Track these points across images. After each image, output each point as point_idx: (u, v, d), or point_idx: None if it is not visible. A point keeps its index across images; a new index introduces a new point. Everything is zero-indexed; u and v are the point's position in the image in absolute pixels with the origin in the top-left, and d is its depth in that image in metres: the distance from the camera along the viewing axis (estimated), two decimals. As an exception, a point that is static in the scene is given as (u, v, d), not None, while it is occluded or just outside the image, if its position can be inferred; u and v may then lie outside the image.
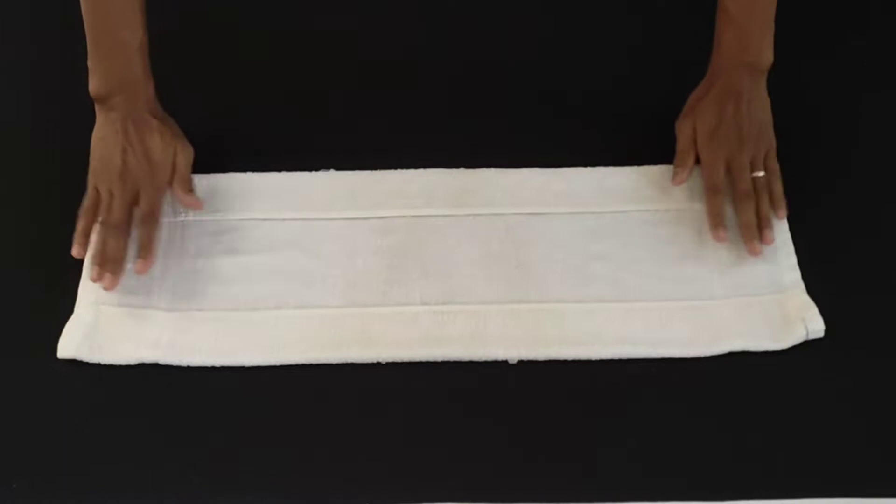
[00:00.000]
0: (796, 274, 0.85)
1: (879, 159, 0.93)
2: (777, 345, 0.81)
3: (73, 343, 0.80)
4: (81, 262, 0.84)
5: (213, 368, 0.80)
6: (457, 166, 0.91)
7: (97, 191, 0.85)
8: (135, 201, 0.84)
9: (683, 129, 0.90)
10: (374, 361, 0.80)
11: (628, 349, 0.80)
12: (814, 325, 0.81)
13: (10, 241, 0.88)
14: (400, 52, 1.00)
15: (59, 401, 0.79)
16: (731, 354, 0.81)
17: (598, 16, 1.03)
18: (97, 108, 0.87)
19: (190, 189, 0.87)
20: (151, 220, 0.84)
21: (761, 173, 0.87)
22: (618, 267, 0.85)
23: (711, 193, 0.86)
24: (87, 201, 0.85)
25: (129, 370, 0.80)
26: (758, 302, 0.83)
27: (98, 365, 0.80)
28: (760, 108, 0.89)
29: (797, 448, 0.76)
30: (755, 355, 0.81)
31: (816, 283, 0.84)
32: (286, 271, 0.85)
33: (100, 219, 0.84)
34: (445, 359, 0.80)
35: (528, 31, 1.01)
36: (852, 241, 0.88)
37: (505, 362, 0.80)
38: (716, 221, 0.85)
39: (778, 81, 0.97)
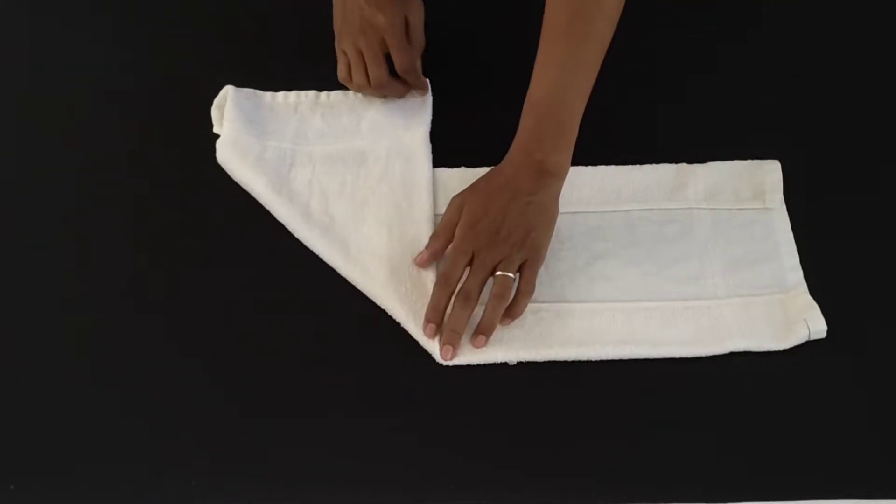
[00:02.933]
0: (799, 274, 0.85)
1: (880, 159, 0.93)
2: (779, 345, 0.81)
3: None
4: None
5: (214, 368, 0.80)
6: (457, 165, 0.91)
7: (344, 53, 0.91)
8: (383, 57, 0.90)
9: (450, 209, 0.83)
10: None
11: (630, 349, 0.80)
12: (816, 326, 0.81)
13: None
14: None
15: (59, 401, 0.79)
16: (732, 354, 0.81)
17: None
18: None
19: (413, 48, 0.92)
20: (410, 66, 0.90)
21: (511, 275, 0.80)
22: (619, 266, 0.85)
23: (438, 284, 0.80)
24: (339, 69, 0.91)
25: (129, 370, 0.80)
26: (760, 302, 0.83)
27: (98, 365, 0.80)
28: (537, 216, 0.81)
29: (798, 449, 0.76)
30: (757, 355, 0.81)
31: (818, 284, 0.84)
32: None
33: (354, 79, 0.91)
34: (444, 363, 0.80)
35: (528, 31, 1.01)
36: (854, 241, 0.87)
37: (505, 363, 0.80)
38: (430, 315, 0.80)
39: (778, 81, 0.97)
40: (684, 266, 0.85)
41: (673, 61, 1.00)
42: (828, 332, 0.81)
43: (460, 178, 0.90)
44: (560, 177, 0.82)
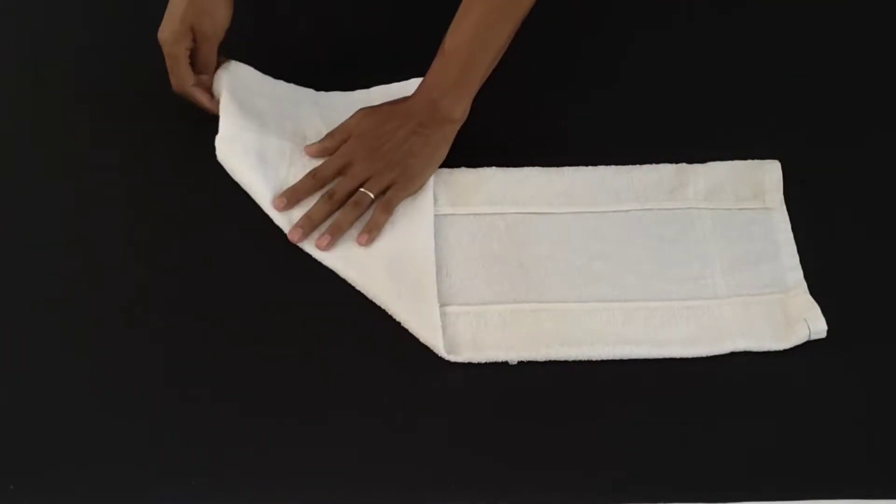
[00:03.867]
0: (799, 274, 0.85)
1: (881, 159, 0.93)
2: (779, 345, 0.81)
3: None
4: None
5: (214, 369, 0.80)
6: (457, 165, 0.91)
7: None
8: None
9: (352, 118, 0.89)
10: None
11: (630, 349, 0.80)
12: (816, 326, 0.81)
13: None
14: (400, 51, 1.00)
15: (59, 401, 0.79)
16: (732, 354, 0.81)
17: (599, 15, 1.03)
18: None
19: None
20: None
21: (370, 194, 0.85)
22: (619, 266, 0.85)
23: (308, 176, 0.87)
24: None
25: (128, 370, 0.80)
26: (760, 302, 0.83)
27: (98, 364, 0.80)
28: (420, 146, 0.87)
29: (798, 449, 0.76)
30: (757, 355, 0.81)
31: (818, 284, 0.84)
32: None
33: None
34: (446, 359, 0.80)
35: (529, 30, 1.01)
36: (854, 241, 0.87)
37: (505, 362, 0.80)
38: (286, 193, 0.86)
39: (778, 81, 0.97)
40: (684, 266, 0.85)
41: (673, 61, 1.00)
42: (828, 332, 0.81)
43: (460, 177, 0.90)
44: (453, 122, 0.87)
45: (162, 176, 0.91)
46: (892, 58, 1.00)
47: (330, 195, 0.85)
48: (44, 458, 0.76)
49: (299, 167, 0.89)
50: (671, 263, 0.86)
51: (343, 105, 0.93)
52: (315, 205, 0.85)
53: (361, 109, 0.89)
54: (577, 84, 0.97)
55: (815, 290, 0.84)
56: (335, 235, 0.84)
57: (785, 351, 0.81)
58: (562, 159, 0.91)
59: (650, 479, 0.75)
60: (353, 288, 0.84)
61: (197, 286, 0.85)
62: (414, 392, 0.79)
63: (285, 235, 0.86)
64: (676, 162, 0.91)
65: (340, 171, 0.87)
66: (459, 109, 0.87)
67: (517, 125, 0.94)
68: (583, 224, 0.88)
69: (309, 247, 0.86)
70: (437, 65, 0.87)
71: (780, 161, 0.91)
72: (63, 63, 0.99)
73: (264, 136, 0.90)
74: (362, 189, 0.85)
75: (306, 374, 0.80)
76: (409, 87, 0.94)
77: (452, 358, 0.80)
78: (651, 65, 0.99)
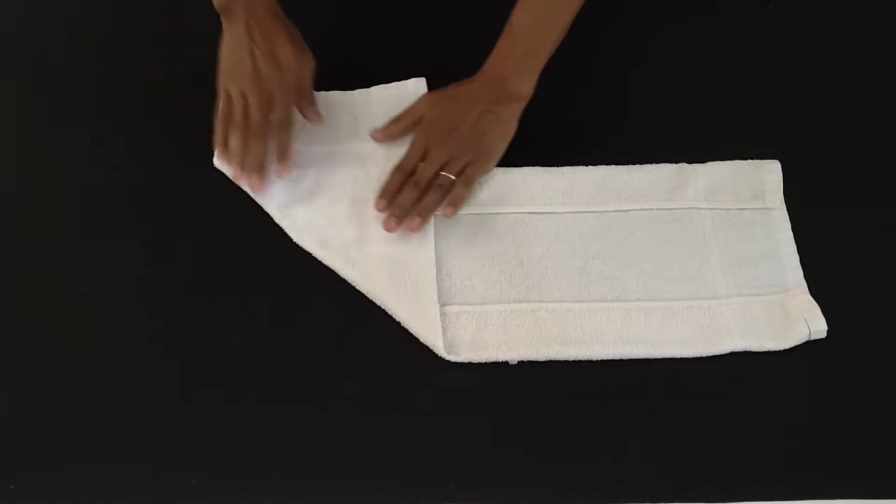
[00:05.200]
0: (799, 274, 0.85)
1: (881, 159, 0.93)
2: (779, 345, 0.81)
3: None
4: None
5: (214, 368, 0.80)
6: (457, 165, 0.91)
7: (229, 94, 0.86)
8: (269, 106, 0.85)
9: (419, 102, 0.90)
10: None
11: (629, 349, 0.80)
12: (816, 326, 0.81)
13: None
14: (401, 51, 0.99)
15: (59, 401, 0.79)
16: (732, 354, 0.81)
17: (599, 15, 1.03)
18: (223, 20, 0.87)
19: (312, 101, 0.89)
20: (288, 125, 0.86)
21: (452, 176, 0.87)
22: (619, 266, 0.85)
23: (395, 170, 0.88)
24: (222, 105, 0.86)
25: (128, 370, 0.80)
26: (760, 302, 0.83)
27: (98, 364, 0.80)
28: (491, 125, 0.88)
29: (798, 448, 0.76)
30: (757, 355, 0.81)
31: (818, 284, 0.84)
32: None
33: (235, 123, 0.85)
34: (446, 359, 0.80)
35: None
36: (855, 241, 0.87)
37: (505, 363, 0.80)
38: (382, 193, 0.87)
39: (778, 81, 0.97)
40: (684, 266, 0.85)
41: (673, 61, 1.00)
42: (828, 332, 0.81)
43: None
44: (521, 99, 0.88)
45: (162, 176, 0.91)
46: (892, 58, 1.00)
47: (415, 183, 0.86)
48: (44, 458, 0.76)
49: (299, 168, 0.89)
50: (671, 263, 0.86)
51: (342, 104, 0.93)
52: (402, 193, 0.86)
53: (427, 95, 0.91)
54: (577, 84, 0.97)
55: (815, 290, 0.84)
56: (425, 217, 0.85)
57: (785, 351, 0.81)
58: (562, 159, 0.91)
59: (649, 478, 0.75)
60: (353, 288, 0.84)
61: (197, 286, 0.85)
62: (414, 392, 0.79)
63: (285, 235, 0.86)
64: (676, 162, 0.91)
65: (421, 159, 0.88)
66: (527, 86, 0.88)
67: (517, 124, 0.94)
68: (583, 224, 0.88)
69: (310, 246, 0.86)
70: (503, 43, 0.88)
71: (780, 161, 0.91)
72: (63, 62, 0.99)
73: None
74: (443, 173, 0.86)
75: (306, 374, 0.80)
76: (408, 87, 0.94)
77: (452, 358, 0.80)
78: (651, 65, 0.99)
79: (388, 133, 0.90)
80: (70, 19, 1.03)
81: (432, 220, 0.87)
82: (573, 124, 0.95)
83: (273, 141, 0.85)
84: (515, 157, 0.91)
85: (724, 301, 0.83)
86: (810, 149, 0.93)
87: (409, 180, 0.87)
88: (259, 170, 0.85)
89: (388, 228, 0.85)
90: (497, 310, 0.83)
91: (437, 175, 0.87)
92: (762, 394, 0.79)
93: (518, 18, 0.87)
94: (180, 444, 0.77)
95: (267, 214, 0.88)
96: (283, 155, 0.86)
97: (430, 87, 0.95)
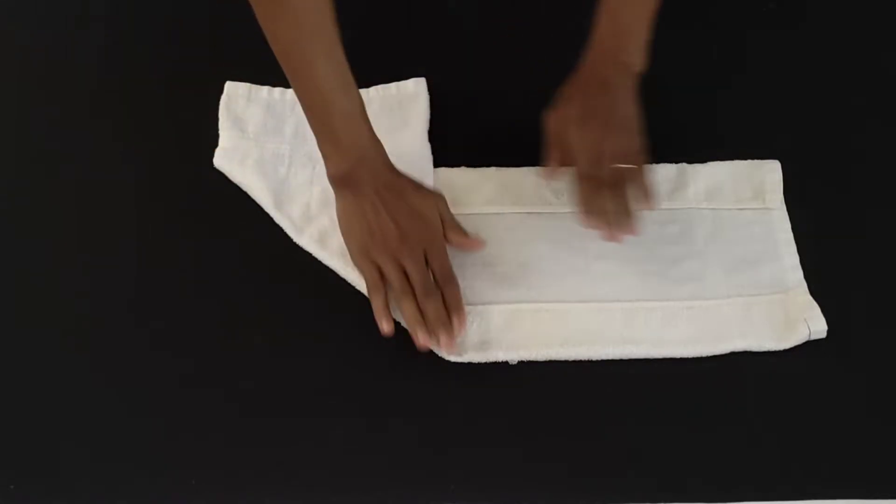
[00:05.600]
0: (799, 274, 0.85)
1: (880, 159, 0.93)
2: (779, 345, 0.81)
3: None
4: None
5: (214, 368, 0.80)
6: (457, 165, 0.91)
7: (376, 265, 0.81)
8: (425, 263, 0.80)
9: (549, 122, 0.85)
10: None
11: (630, 349, 0.80)
12: (816, 326, 0.81)
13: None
14: (401, 51, 1.00)
15: (59, 401, 0.79)
16: (732, 354, 0.81)
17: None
18: (337, 189, 0.83)
19: (465, 233, 0.84)
20: (452, 276, 0.81)
21: (633, 165, 0.82)
22: (619, 266, 0.85)
23: (583, 181, 0.82)
24: (369, 280, 0.81)
25: (128, 370, 0.80)
26: (760, 302, 0.83)
27: (98, 364, 0.80)
28: (627, 103, 0.84)
29: (798, 449, 0.76)
30: (757, 355, 0.81)
31: (818, 284, 0.84)
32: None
33: (393, 291, 0.80)
34: (446, 360, 0.80)
35: (529, 30, 1.01)
36: (854, 241, 0.87)
37: (505, 363, 0.80)
38: (588, 208, 0.82)
39: (779, 81, 0.97)
40: (684, 266, 0.85)
41: (673, 61, 1.00)
42: (828, 332, 0.81)
43: (460, 177, 0.90)
44: (638, 73, 0.85)
45: (162, 175, 0.91)
46: (892, 57, 1.00)
47: (613, 184, 0.81)
48: (44, 458, 0.76)
49: (298, 166, 0.90)
50: (671, 263, 0.86)
51: None
52: (600, 198, 0.81)
53: (552, 109, 0.85)
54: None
55: (815, 290, 0.84)
56: (633, 216, 0.81)
57: (785, 351, 0.81)
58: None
59: (649, 478, 0.75)
60: (353, 289, 0.84)
61: (197, 286, 0.85)
62: (414, 392, 0.79)
63: (285, 236, 0.86)
64: (676, 162, 0.91)
65: (593, 162, 0.82)
66: (638, 57, 0.85)
67: (517, 125, 0.94)
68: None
69: (309, 246, 0.86)
70: (605, 28, 0.85)
71: (781, 161, 0.91)
72: (63, 62, 0.99)
73: (262, 141, 0.91)
74: (622, 165, 0.82)
75: (306, 374, 0.80)
76: (408, 87, 0.94)
77: (453, 358, 0.80)
78: (651, 65, 0.99)
79: (547, 175, 0.86)
80: (70, 19, 1.03)
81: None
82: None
83: (439, 298, 0.80)
84: (515, 157, 0.91)
85: (724, 301, 0.83)
86: (810, 149, 0.93)
87: (602, 186, 0.81)
88: (446, 325, 0.79)
89: (613, 239, 0.81)
90: (497, 310, 0.83)
91: (619, 171, 0.81)
92: (762, 394, 0.79)
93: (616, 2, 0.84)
94: (180, 444, 0.77)
95: (267, 215, 0.88)
96: (457, 308, 0.80)
97: (430, 87, 0.95)
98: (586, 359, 0.80)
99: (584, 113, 0.83)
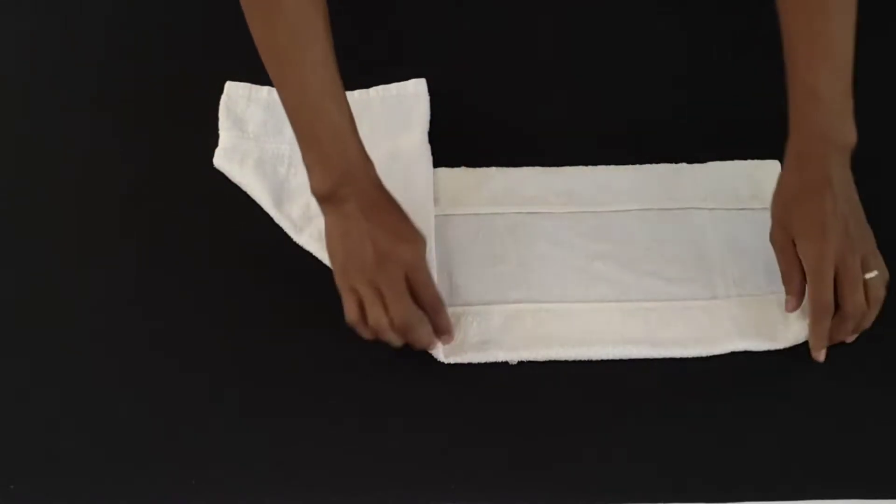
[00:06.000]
0: None
1: (881, 159, 0.93)
2: (778, 345, 0.81)
3: None
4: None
5: (214, 369, 0.80)
6: (457, 165, 0.91)
7: (355, 291, 0.76)
8: (408, 289, 0.76)
9: (779, 239, 0.78)
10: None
11: (629, 349, 0.80)
12: None
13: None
14: (401, 51, 1.00)
15: (59, 401, 0.79)
16: (732, 354, 0.81)
17: (600, 15, 1.03)
18: (323, 205, 0.79)
19: (438, 299, 0.78)
20: (439, 308, 0.78)
21: (873, 273, 0.76)
22: (619, 267, 0.85)
23: (821, 311, 0.76)
24: (349, 309, 0.77)
25: (128, 370, 0.80)
26: (759, 302, 0.83)
27: (98, 365, 0.80)
28: (855, 199, 0.77)
29: (798, 449, 0.76)
30: (757, 355, 0.81)
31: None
32: None
33: (371, 320, 0.76)
34: (444, 362, 0.80)
35: (530, 31, 1.01)
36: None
37: (505, 362, 0.80)
38: (820, 343, 0.77)
39: (778, 81, 0.96)
40: (684, 266, 0.85)
41: (673, 61, 1.00)
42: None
43: (460, 177, 0.90)
44: (848, 148, 0.77)
45: (162, 175, 0.91)
46: (892, 57, 1.00)
47: (852, 312, 0.76)
48: (44, 458, 0.76)
49: (298, 166, 0.89)
50: (671, 264, 0.86)
51: None
52: (846, 314, 0.76)
53: (778, 223, 0.78)
54: (577, 84, 0.97)
55: (814, 290, 0.84)
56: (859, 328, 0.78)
57: (785, 351, 0.81)
58: (562, 159, 0.91)
59: (650, 479, 0.75)
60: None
61: (197, 286, 0.85)
62: (414, 392, 0.79)
63: (285, 236, 0.87)
64: (676, 162, 0.91)
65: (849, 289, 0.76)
66: (850, 130, 0.76)
67: (517, 125, 0.94)
68: (583, 224, 0.88)
69: (309, 246, 0.86)
70: (812, 112, 0.76)
71: (780, 161, 0.91)
72: (63, 62, 0.99)
73: (262, 141, 0.91)
74: (867, 276, 0.76)
75: (306, 375, 0.80)
76: (408, 87, 0.94)
77: (452, 359, 0.80)
78: (651, 64, 0.99)
79: (794, 306, 0.79)
80: (70, 19, 1.03)
81: (433, 221, 0.86)
82: (573, 124, 0.94)
83: (423, 326, 0.77)
84: (515, 157, 0.91)
85: (723, 301, 0.83)
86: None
87: (847, 315, 0.76)
88: (434, 343, 0.78)
89: (818, 358, 0.78)
90: (497, 310, 0.83)
91: (865, 283, 0.76)
92: (762, 394, 0.79)
93: (816, 76, 0.74)
94: (180, 444, 0.77)
95: (267, 215, 0.88)
96: (447, 331, 0.78)
97: (430, 87, 0.95)
98: (586, 359, 0.80)
99: (819, 224, 0.75)
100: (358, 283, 0.76)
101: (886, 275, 0.78)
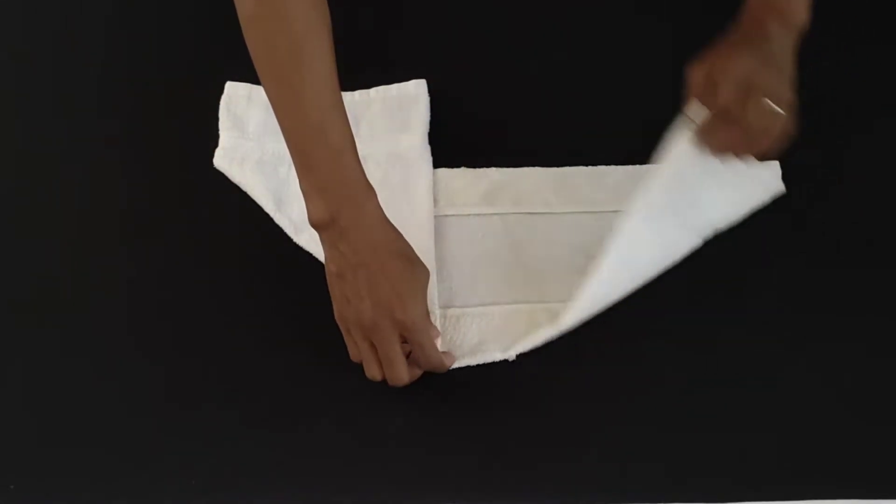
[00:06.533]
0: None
1: (881, 159, 0.93)
2: (747, 204, 0.84)
3: None
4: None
5: (214, 369, 0.80)
6: (457, 165, 0.91)
7: (350, 334, 0.76)
8: (401, 337, 0.74)
9: (695, 72, 0.78)
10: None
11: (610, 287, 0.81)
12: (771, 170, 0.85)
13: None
14: (401, 51, 1.00)
15: (59, 401, 0.79)
16: (731, 355, 0.80)
17: (600, 15, 1.03)
18: (321, 235, 0.75)
19: (434, 351, 0.76)
20: (438, 365, 0.76)
21: (779, 110, 0.76)
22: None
23: (719, 114, 0.76)
24: (350, 353, 0.76)
25: (129, 370, 0.80)
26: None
27: (98, 365, 0.80)
28: (786, 54, 0.77)
29: (798, 449, 0.76)
30: (757, 355, 0.81)
31: (819, 283, 0.84)
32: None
33: (368, 376, 0.76)
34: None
35: (530, 31, 1.01)
36: (855, 240, 0.87)
37: (505, 362, 0.80)
38: (709, 140, 0.78)
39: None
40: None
41: (673, 61, 1.00)
42: (830, 330, 0.81)
43: (460, 178, 0.90)
44: (800, 29, 0.78)
45: (163, 175, 0.91)
46: (892, 57, 1.00)
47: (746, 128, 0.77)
48: (44, 458, 0.76)
49: None
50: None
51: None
52: (730, 137, 0.77)
53: (700, 60, 0.78)
54: (577, 84, 0.97)
55: (814, 290, 0.83)
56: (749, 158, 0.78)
57: (785, 350, 0.81)
58: (562, 159, 0.91)
59: (650, 478, 0.75)
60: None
61: (197, 286, 0.85)
62: (414, 392, 0.79)
63: (285, 236, 0.87)
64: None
65: (739, 94, 0.76)
66: (804, 6, 0.77)
67: (517, 125, 0.94)
68: (583, 224, 0.88)
69: (309, 246, 0.86)
70: None
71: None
72: (63, 62, 0.99)
73: (262, 141, 0.91)
74: (767, 101, 0.75)
75: (306, 375, 0.80)
76: (409, 88, 0.94)
77: (452, 364, 0.80)
78: (652, 64, 0.99)
79: (688, 105, 0.78)
80: (70, 19, 1.03)
81: (432, 222, 0.86)
82: (573, 124, 0.94)
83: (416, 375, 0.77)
84: (515, 156, 0.91)
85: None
86: (810, 149, 0.93)
87: (731, 122, 0.75)
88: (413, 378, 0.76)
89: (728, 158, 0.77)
90: (497, 311, 0.83)
91: (762, 112, 0.75)
92: (762, 394, 0.79)
93: None
94: (180, 444, 0.77)
95: (267, 215, 0.88)
96: (442, 367, 0.77)
97: (430, 87, 0.95)
98: (577, 321, 0.79)
99: (739, 52, 0.76)
100: (354, 334, 0.75)
101: (792, 123, 0.77)
